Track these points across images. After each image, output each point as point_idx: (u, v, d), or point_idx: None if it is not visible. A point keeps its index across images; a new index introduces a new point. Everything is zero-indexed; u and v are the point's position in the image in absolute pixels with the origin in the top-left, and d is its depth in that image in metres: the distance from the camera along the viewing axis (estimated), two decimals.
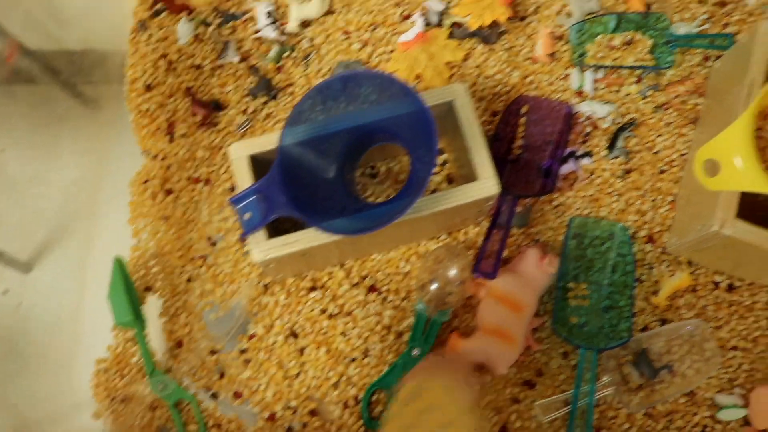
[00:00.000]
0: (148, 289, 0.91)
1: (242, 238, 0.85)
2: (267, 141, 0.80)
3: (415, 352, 0.85)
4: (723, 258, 0.88)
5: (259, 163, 0.81)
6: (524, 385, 0.87)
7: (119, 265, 0.88)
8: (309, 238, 0.78)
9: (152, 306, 0.90)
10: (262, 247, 0.78)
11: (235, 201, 0.78)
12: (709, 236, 0.82)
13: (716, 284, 0.91)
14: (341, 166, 0.83)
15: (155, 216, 0.92)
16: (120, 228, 0.93)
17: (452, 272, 0.84)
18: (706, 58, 0.97)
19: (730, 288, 0.91)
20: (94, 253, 0.93)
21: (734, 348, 0.89)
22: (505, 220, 0.86)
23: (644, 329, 0.90)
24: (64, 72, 0.99)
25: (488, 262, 0.84)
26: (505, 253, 0.90)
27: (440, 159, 0.93)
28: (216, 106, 0.95)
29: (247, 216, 0.78)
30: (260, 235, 0.78)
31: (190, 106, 0.95)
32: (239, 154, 0.80)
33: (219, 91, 0.96)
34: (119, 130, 0.96)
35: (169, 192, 0.93)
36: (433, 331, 0.85)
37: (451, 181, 0.92)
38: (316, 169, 0.81)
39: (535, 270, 0.86)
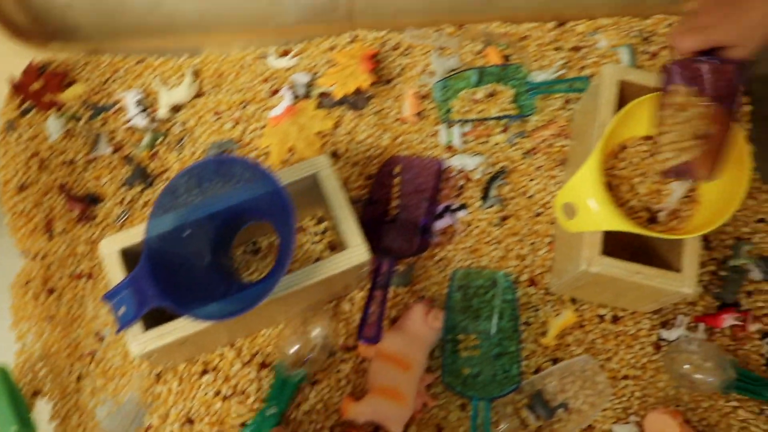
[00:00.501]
0: (36, 393, 0.90)
1: (118, 333, 0.85)
2: (136, 234, 0.81)
3: (270, 410, 0.86)
4: (603, 292, 0.92)
5: (134, 255, 0.81)
6: None
7: (1, 374, 0.87)
8: (185, 326, 0.78)
9: (43, 410, 0.89)
10: (139, 341, 0.78)
11: (108, 297, 0.79)
12: (580, 275, 0.85)
13: (601, 317, 0.94)
14: (214, 249, 0.84)
15: (39, 317, 0.92)
16: (3, 333, 0.92)
17: (314, 332, 0.87)
18: (567, 101, 1.02)
19: (615, 319, 0.94)
20: None
21: (625, 377, 0.92)
22: (384, 282, 0.89)
23: (537, 371, 0.92)
24: None
25: (371, 326, 0.86)
26: (393, 313, 0.92)
27: (321, 227, 0.95)
28: (92, 200, 0.96)
29: (121, 311, 0.78)
30: (136, 328, 0.78)
31: (66, 203, 0.95)
32: (109, 250, 0.81)
33: (94, 184, 0.97)
34: None
35: (51, 291, 0.93)
36: (287, 391, 0.87)
37: (333, 248, 0.94)
38: (188, 255, 0.82)
39: (421, 326, 0.88)
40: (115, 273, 0.80)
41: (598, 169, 0.81)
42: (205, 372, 0.90)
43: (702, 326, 0.94)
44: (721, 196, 0.84)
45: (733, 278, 0.97)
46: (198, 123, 1.01)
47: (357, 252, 0.82)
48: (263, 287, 0.76)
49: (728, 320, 0.94)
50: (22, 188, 0.95)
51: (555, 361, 0.93)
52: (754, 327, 0.95)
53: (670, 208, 0.86)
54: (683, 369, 0.90)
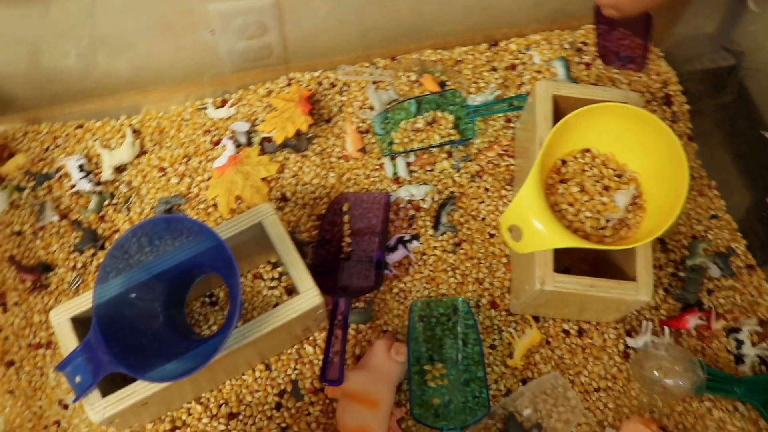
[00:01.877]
0: None
1: (75, 402, 0.87)
2: (86, 300, 0.83)
3: None
4: (563, 308, 0.94)
5: (87, 321, 0.83)
6: None
7: None
8: (144, 387, 0.80)
9: None
10: (98, 407, 0.80)
11: (61, 367, 0.80)
12: (537, 294, 0.88)
13: (566, 332, 0.97)
14: (168, 307, 0.86)
15: (0, 392, 0.93)
16: None
17: None
18: (509, 120, 1.06)
19: (580, 333, 0.97)
20: None
21: (597, 390, 0.94)
22: (343, 321, 0.91)
23: (508, 393, 0.94)
24: None
25: (333, 367, 0.88)
26: (357, 350, 0.94)
27: (276, 273, 0.98)
28: (44, 268, 0.98)
29: (77, 379, 0.80)
30: (94, 395, 0.80)
31: (17, 274, 0.97)
32: (60, 319, 0.83)
33: (45, 252, 1.00)
34: None
35: (10, 364, 0.94)
36: None
37: (290, 292, 0.97)
38: (140, 317, 0.84)
39: (384, 362, 0.90)
40: (67, 341, 0.82)
41: (537, 189, 0.84)
42: (174, 429, 0.91)
43: (667, 330, 0.97)
44: (665, 201, 0.87)
45: (693, 278, 1.00)
46: (143, 181, 1.03)
47: (309, 296, 0.84)
48: (216, 342, 0.78)
49: (692, 321, 0.97)
50: None
51: (524, 381, 0.95)
52: (718, 324, 0.97)
53: (618, 218, 0.89)
54: (653, 375, 0.92)
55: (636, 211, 0.89)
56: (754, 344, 0.97)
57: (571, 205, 0.88)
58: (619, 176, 0.90)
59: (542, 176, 0.87)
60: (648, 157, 0.89)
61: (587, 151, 0.91)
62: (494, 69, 1.09)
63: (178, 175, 1.03)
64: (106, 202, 1.02)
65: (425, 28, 1.13)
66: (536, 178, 0.84)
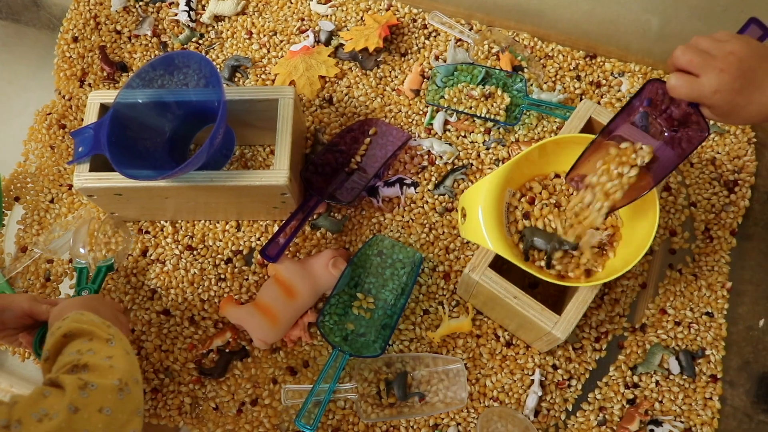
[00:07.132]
0: (18, 198, 1.18)
1: (69, 164, 1.09)
2: (115, 95, 1.05)
3: (85, 293, 1.04)
4: (501, 314, 1.01)
5: None
6: (287, 371, 1.05)
7: None
8: (118, 179, 1.01)
9: (16, 214, 1.17)
10: (82, 177, 1.02)
11: (74, 134, 1.04)
12: (467, 279, 0.96)
13: (497, 337, 1.05)
14: (175, 134, 1.07)
15: (46, 143, 1.20)
16: (15, 144, 1.22)
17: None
18: (561, 128, 1.12)
19: (509, 344, 1.04)
20: None
21: (494, 399, 1.02)
22: (305, 215, 1.06)
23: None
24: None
25: (275, 246, 1.04)
26: (314, 252, 1.09)
27: (270, 158, 1.15)
28: (122, 68, 1.23)
29: (80, 149, 1.03)
30: (84, 166, 1.03)
31: (101, 63, 1.23)
32: (93, 100, 1.06)
33: (129, 56, 1.24)
34: (47, 66, 1.26)
35: (63, 126, 1.21)
36: (100, 277, 1.06)
37: None
38: (149, 127, 1.05)
39: (320, 268, 1.04)
40: (89, 118, 1.05)
41: (497, 183, 0.91)
42: (143, 232, 1.13)
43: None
44: (625, 259, 0.91)
45: None
46: (231, 36, 1.24)
47: (278, 175, 1.00)
48: (182, 167, 0.97)
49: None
50: (75, 40, 1.24)
51: (435, 353, 1.04)
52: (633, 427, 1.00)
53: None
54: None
55: (596, 258, 0.94)
56: None
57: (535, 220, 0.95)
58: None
59: (519, 177, 0.95)
60: (638, 213, 0.93)
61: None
62: (578, 78, 1.16)
63: (260, 44, 1.23)
64: (194, 39, 1.24)
65: (536, 14, 1.19)
66: (503, 172, 0.91)
